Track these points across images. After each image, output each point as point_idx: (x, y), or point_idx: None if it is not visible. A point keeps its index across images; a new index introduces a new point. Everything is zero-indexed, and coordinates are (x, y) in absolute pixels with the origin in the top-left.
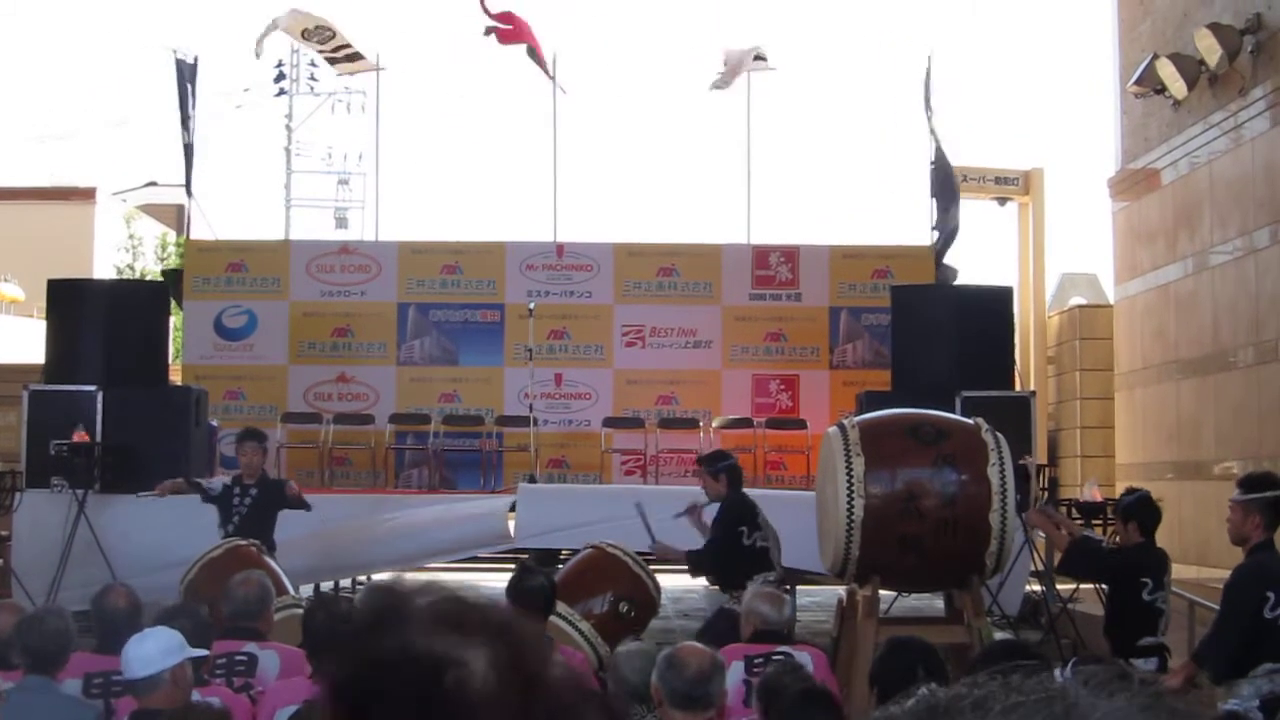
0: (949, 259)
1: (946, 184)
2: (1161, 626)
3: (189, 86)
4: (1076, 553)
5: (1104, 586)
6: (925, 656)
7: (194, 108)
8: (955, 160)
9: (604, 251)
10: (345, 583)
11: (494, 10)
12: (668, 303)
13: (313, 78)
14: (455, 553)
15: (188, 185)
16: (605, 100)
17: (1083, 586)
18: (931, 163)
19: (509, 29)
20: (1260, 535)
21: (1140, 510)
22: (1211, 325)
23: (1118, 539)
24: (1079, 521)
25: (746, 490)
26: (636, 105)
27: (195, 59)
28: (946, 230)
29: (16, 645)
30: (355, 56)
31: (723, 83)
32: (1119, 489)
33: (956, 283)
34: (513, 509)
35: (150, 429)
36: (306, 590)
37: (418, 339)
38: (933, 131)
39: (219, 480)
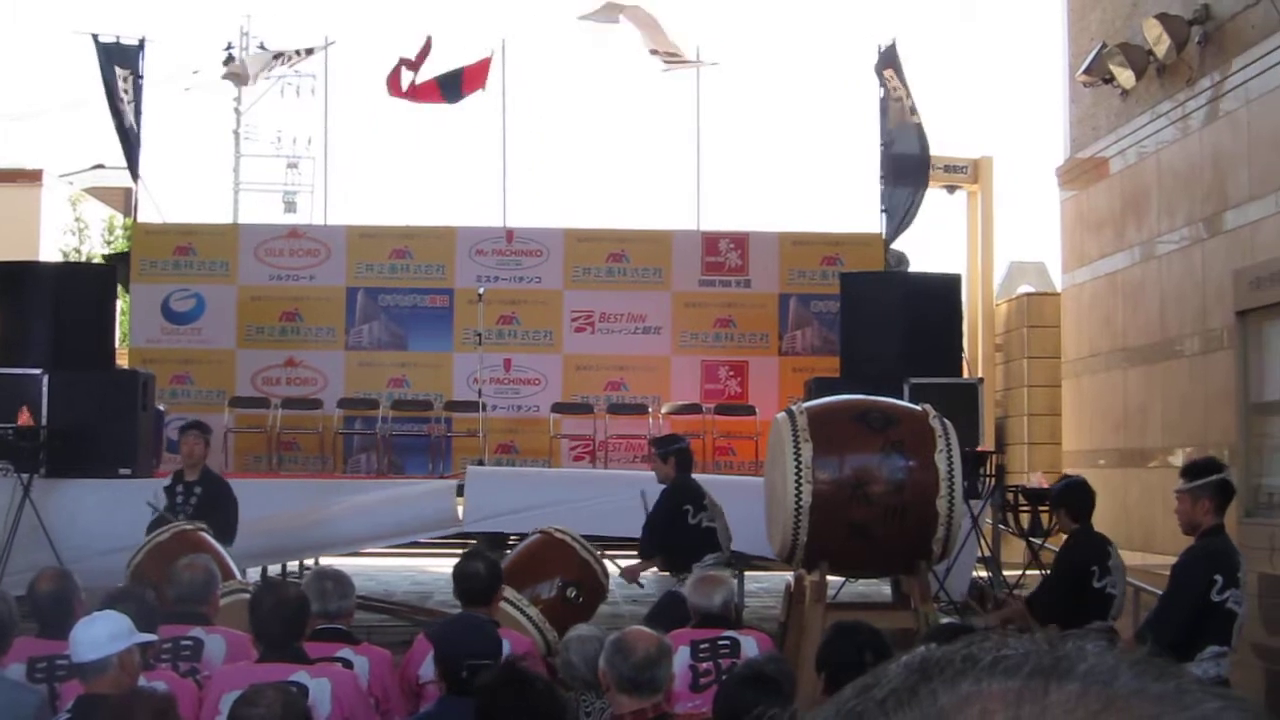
0: (900, 244)
1: (921, 170)
2: (1113, 611)
3: (118, 70)
4: (1040, 609)
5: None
6: (871, 640)
7: (139, 90)
8: (904, 149)
9: (554, 237)
10: (293, 566)
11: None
12: (617, 288)
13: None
14: (402, 536)
15: (131, 168)
16: (555, 85)
17: (1028, 571)
18: (884, 146)
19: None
20: (1211, 520)
21: (1067, 496)
22: (1158, 314)
23: (1057, 527)
24: (1025, 509)
25: (696, 476)
26: (587, 90)
27: (141, 41)
28: (903, 216)
29: None
30: (303, 51)
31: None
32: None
33: (908, 269)
34: (461, 492)
35: (97, 412)
36: (254, 574)
37: (366, 323)
38: (911, 111)
39: (159, 494)
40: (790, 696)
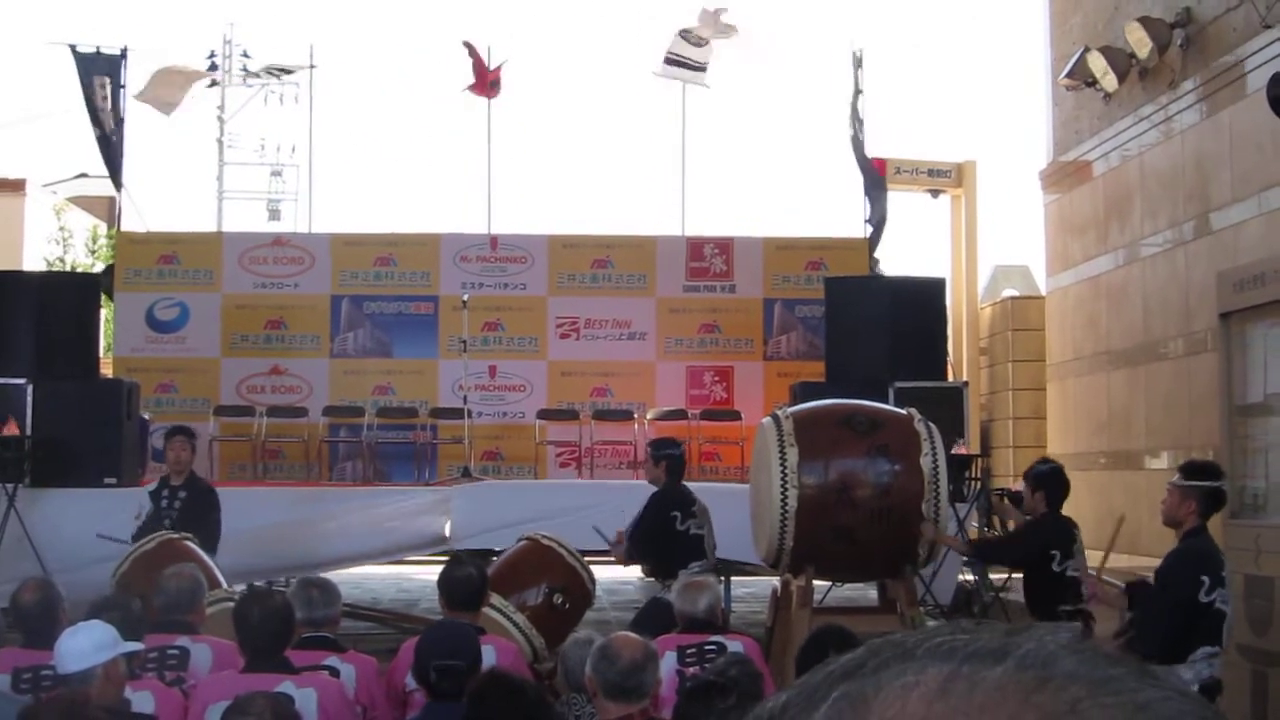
0: (880, 250)
1: (870, 175)
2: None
3: (97, 79)
4: (988, 547)
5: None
6: (838, 640)
7: (121, 99)
8: (889, 153)
9: (538, 243)
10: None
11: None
12: (602, 294)
13: (245, 69)
14: (391, 555)
15: (113, 177)
16: (540, 92)
17: (1014, 576)
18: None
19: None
20: (1194, 522)
21: (1050, 480)
22: (1142, 316)
23: (1024, 507)
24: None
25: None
26: (572, 97)
27: (124, 50)
28: (876, 221)
29: None
30: (284, 69)
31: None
32: None
33: (888, 274)
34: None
35: (81, 422)
36: (240, 585)
37: (351, 331)
38: (857, 122)
39: (144, 502)
40: (750, 696)
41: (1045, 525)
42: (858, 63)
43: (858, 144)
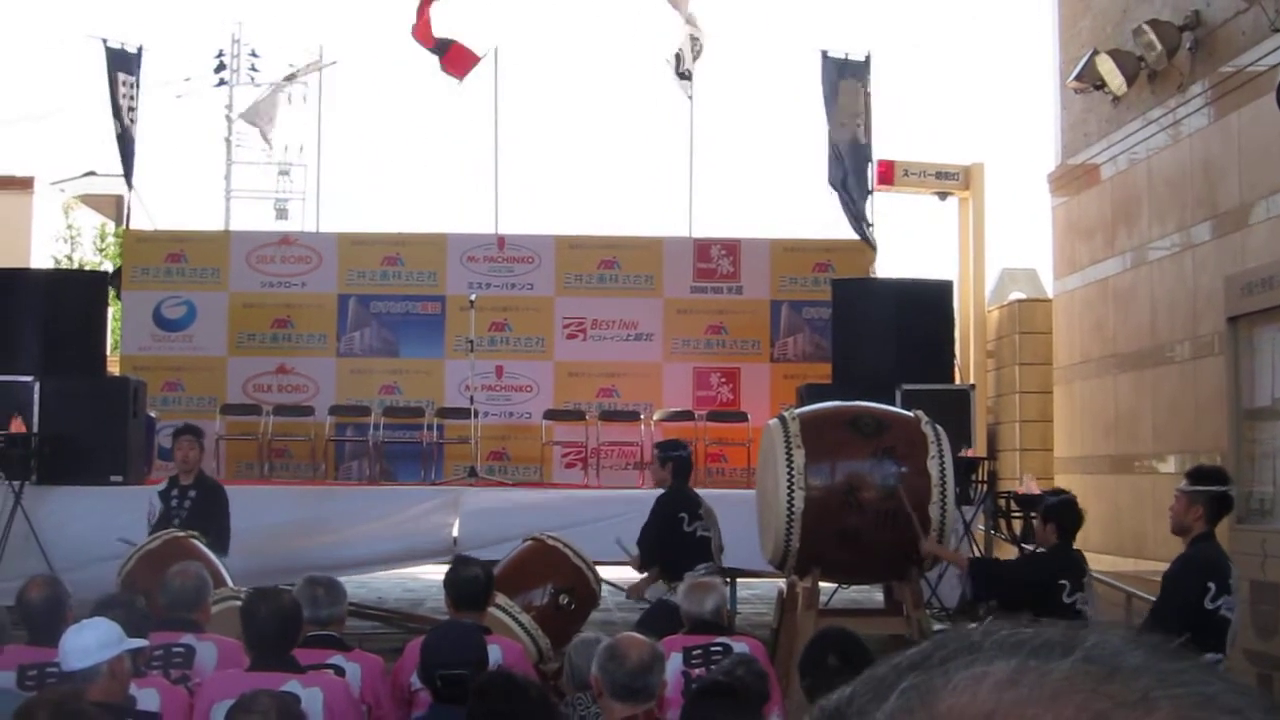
0: (881, 258)
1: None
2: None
3: (121, 75)
4: (981, 575)
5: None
6: (839, 643)
7: (137, 97)
8: (896, 155)
9: (545, 244)
10: None
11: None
12: (609, 295)
13: (254, 68)
14: (399, 563)
15: (126, 175)
16: (548, 92)
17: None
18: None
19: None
20: (1202, 527)
21: (1062, 512)
22: (1149, 320)
23: (1035, 539)
24: (1018, 515)
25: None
26: (579, 97)
27: (140, 49)
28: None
29: None
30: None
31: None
32: (1057, 482)
33: (897, 276)
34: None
35: (88, 420)
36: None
37: (358, 330)
38: (857, 125)
39: (154, 502)
40: (759, 699)
41: (1055, 556)
42: (865, 65)
43: (839, 147)
